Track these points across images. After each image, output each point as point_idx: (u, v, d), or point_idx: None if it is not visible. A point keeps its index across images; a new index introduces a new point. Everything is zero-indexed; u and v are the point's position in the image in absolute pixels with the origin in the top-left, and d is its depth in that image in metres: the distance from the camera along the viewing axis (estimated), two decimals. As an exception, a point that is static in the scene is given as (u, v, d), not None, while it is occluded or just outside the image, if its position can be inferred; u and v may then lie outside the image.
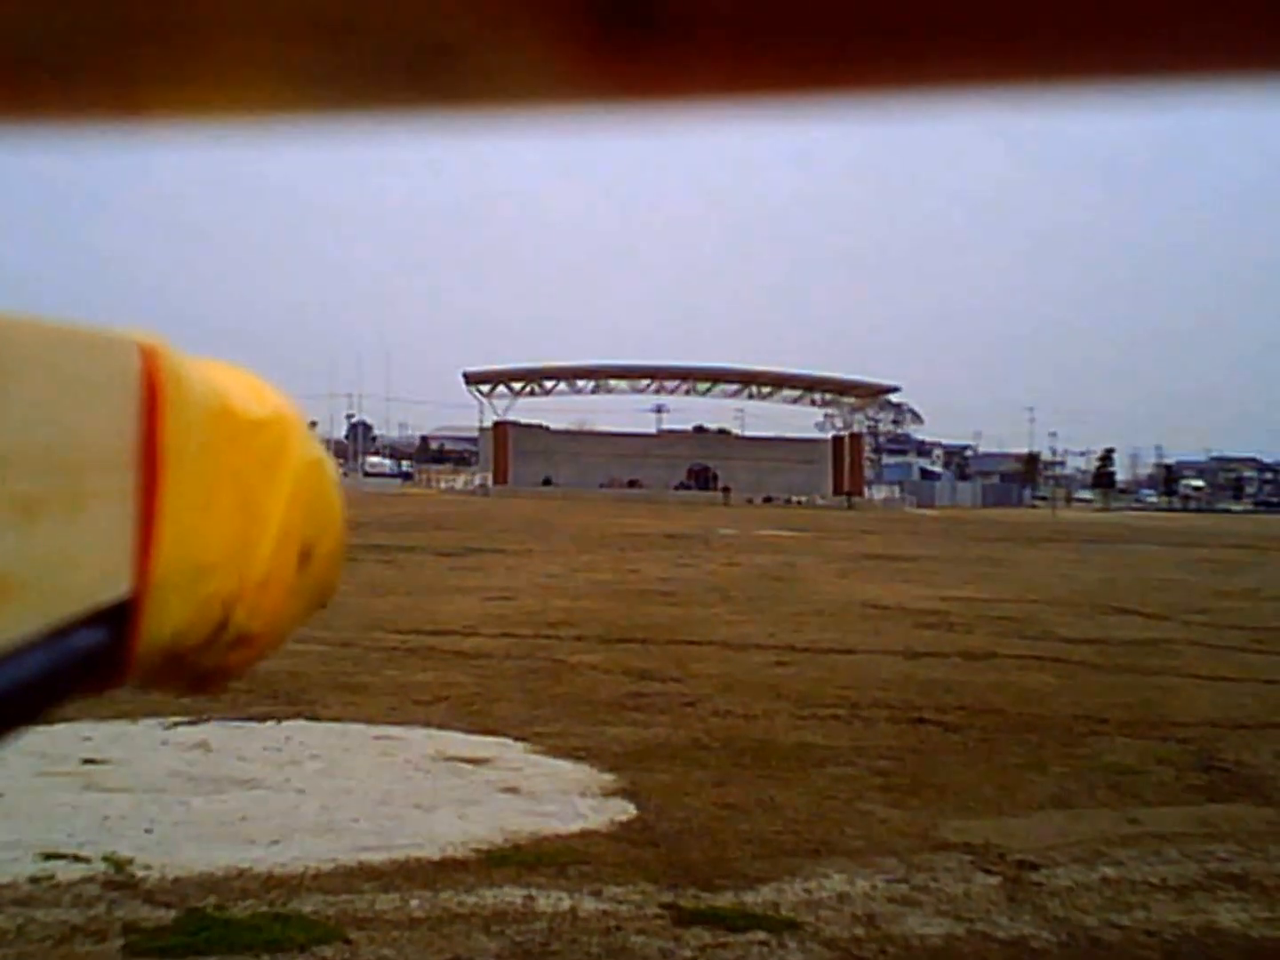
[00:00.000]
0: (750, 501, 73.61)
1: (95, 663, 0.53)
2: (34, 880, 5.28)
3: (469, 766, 7.49)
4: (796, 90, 0.35)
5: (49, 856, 5.55)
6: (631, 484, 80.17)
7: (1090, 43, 0.33)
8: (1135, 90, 0.35)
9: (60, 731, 7.66)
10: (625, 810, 6.72)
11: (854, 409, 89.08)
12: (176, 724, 8.12)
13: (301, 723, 8.39)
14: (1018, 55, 0.34)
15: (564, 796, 6.94)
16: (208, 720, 8.25)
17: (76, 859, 5.56)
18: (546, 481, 79.81)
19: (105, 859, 5.57)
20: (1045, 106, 0.35)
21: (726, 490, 73.21)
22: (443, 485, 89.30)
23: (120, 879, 5.36)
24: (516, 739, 8.15)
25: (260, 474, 0.65)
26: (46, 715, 0.51)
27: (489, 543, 27.85)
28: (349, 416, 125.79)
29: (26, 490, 0.46)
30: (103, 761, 7.17)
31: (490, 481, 79.26)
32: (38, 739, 7.49)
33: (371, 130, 0.38)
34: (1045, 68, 0.34)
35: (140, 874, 5.42)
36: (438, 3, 0.33)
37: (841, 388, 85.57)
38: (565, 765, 7.58)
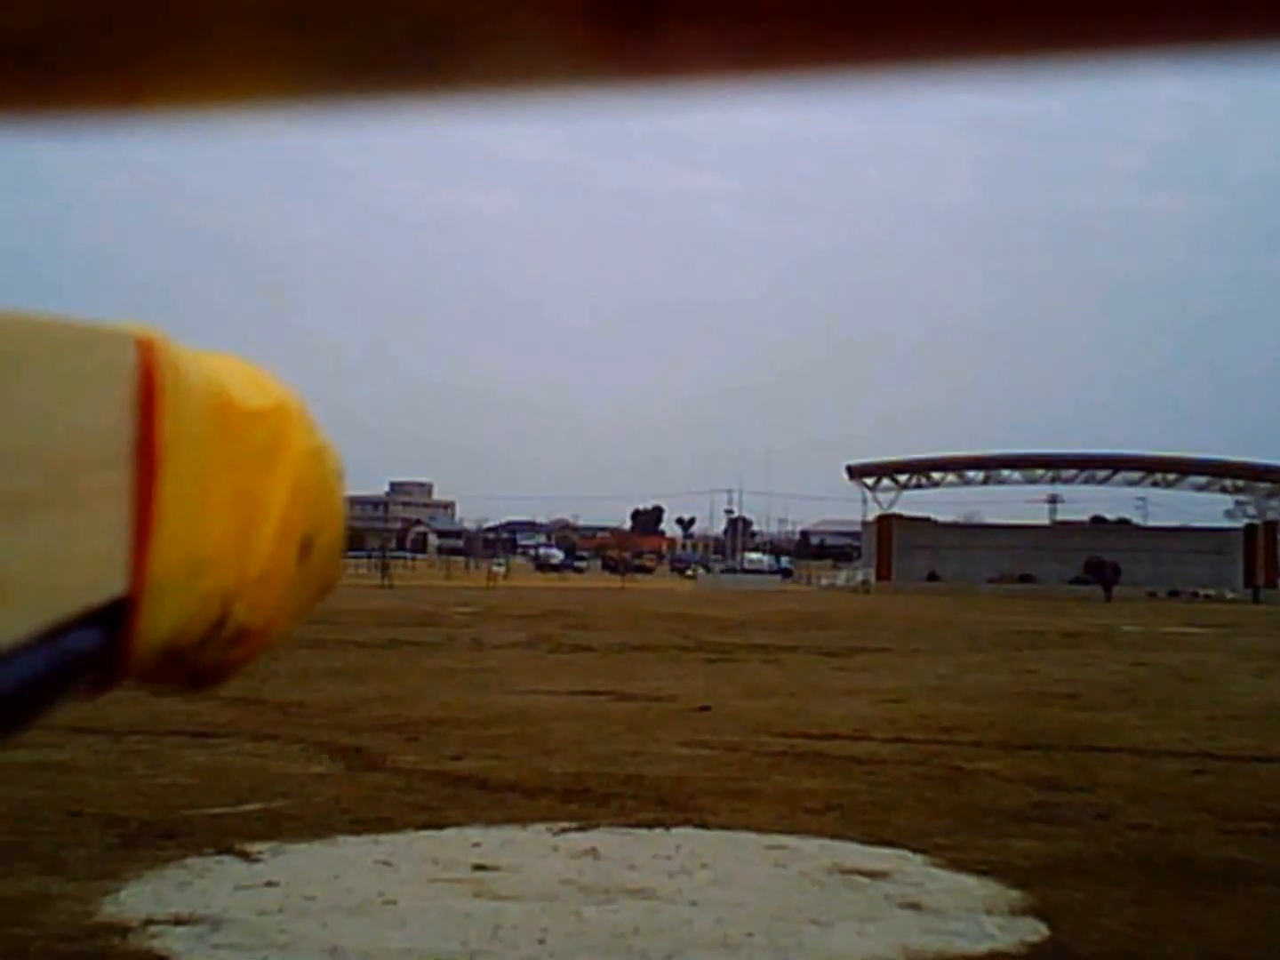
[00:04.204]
0: (1153, 595, 70.09)
1: (92, 663, 0.53)
2: (428, 992, 5.26)
3: (866, 879, 7.19)
4: (813, 67, 0.34)
5: (442, 967, 5.53)
6: (1024, 579, 77.74)
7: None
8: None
9: (450, 836, 7.77)
10: (1036, 930, 6.37)
11: (1269, 495, 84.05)
12: (565, 830, 8.10)
13: (690, 830, 8.25)
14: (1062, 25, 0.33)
15: (970, 914, 6.61)
16: (596, 826, 8.21)
17: (471, 970, 5.52)
18: (932, 576, 78.34)
19: (499, 971, 5.51)
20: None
21: (1107, 584, 69.23)
22: (823, 581, 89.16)
23: (515, 992, 5.29)
24: (916, 851, 7.81)
25: (259, 466, 0.64)
26: (44, 717, 0.51)
27: (874, 641, 27.36)
28: (728, 512, 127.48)
29: (20, 488, 0.46)
30: (493, 868, 7.18)
31: (873, 577, 78.51)
32: (429, 843, 7.60)
33: (374, 115, 0.37)
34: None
35: (539, 987, 5.34)
36: None
37: (1255, 473, 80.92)
38: (969, 880, 7.21)
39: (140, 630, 0.54)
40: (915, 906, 6.70)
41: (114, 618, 0.53)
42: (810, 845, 7.94)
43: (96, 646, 0.52)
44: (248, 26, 0.34)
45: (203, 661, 0.62)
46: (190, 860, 7.19)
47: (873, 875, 7.27)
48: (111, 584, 0.53)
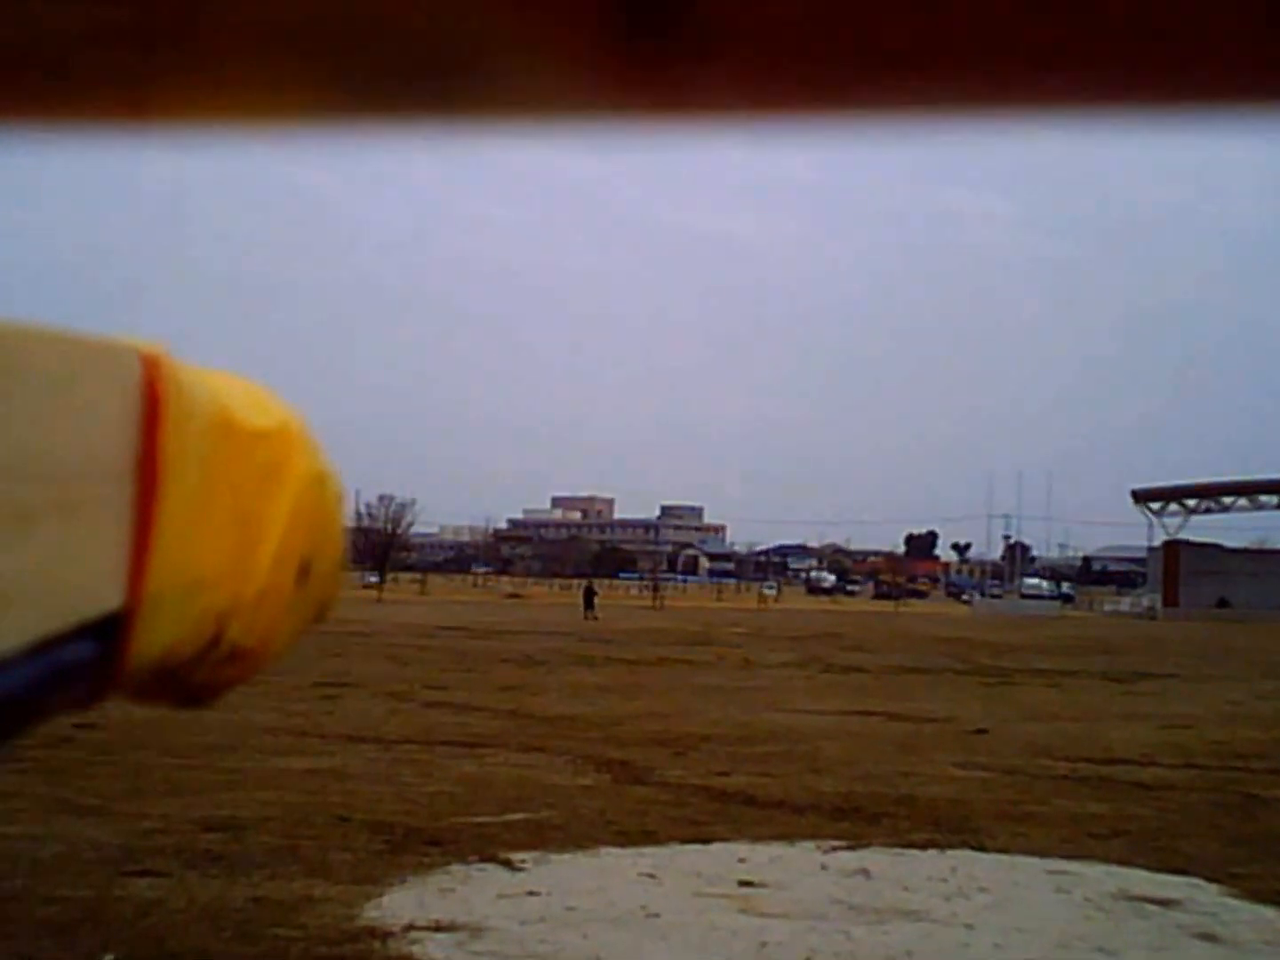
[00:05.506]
0: None
1: (85, 676, 0.53)
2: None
3: (1156, 908, 6.77)
4: (823, 107, 0.34)
5: (703, 983, 5.34)
6: (1320, 606, 73.88)
7: (1112, 66, 0.32)
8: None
9: (716, 851, 7.60)
10: (1347, 969, 5.83)
11: None
12: (834, 848, 7.84)
13: (967, 853, 7.91)
14: (1048, 78, 0.33)
15: (1270, 947, 6.27)
16: (868, 845, 7.94)
17: (732, 987, 5.32)
18: (1222, 603, 75.30)
19: (764, 989, 5.29)
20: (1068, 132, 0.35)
21: None
22: (1106, 608, 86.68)
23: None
24: (1209, 879, 7.33)
25: (260, 487, 0.64)
26: (35, 727, 0.50)
27: (1161, 667, 26.28)
28: (1006, 537, 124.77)
29: (22, 499, 0.47)
30: (759, 884, 6.98)
31: (1159, 604, 75.85)
32: (694, 858, 7.42)
33: (384, 140, 0.37)
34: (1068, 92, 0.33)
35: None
36: (455, 11, 0.33)
37: None
38: (1269, 912, 6.77)
39: (134, 645, 0.54)
40: (1210, 937, 6.29)
41: (109, 631, 0.53)
42: (1095, 871, 7.52)
43: (91, 659, 0.52)
44: (264, 47, 0.34)
45: (195, 679, 0.62)
46: (454, 867, 7.17)
47: (1163, 903, 6.85)
48: (108, 598, 0.53)
